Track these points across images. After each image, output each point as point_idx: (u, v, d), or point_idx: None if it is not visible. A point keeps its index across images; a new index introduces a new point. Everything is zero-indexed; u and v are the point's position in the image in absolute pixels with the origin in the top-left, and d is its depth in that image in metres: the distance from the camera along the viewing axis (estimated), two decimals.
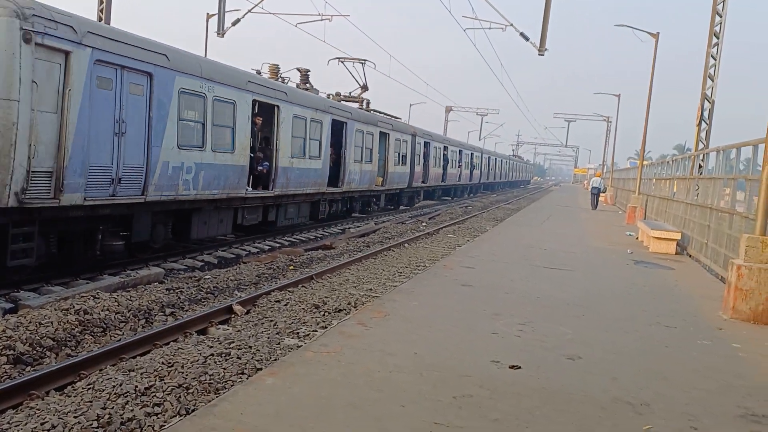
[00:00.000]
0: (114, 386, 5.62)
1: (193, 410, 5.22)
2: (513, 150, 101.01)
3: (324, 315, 9.22)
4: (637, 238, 18.12)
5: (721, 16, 18.13)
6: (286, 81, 17.90)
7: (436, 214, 29.23)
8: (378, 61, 40.24)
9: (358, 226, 22.06)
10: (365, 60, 23.57)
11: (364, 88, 24.07)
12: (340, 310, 9.43)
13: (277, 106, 15.69)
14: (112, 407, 5.25)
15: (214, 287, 11.02)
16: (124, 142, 10.52)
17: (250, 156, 14.86)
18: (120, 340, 7.63)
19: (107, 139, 10.17)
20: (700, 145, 18.81)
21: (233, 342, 7.43)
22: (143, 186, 11.08)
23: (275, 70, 17.42)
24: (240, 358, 6.78)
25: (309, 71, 19.24)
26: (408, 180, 28.81)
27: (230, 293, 10.87)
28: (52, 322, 7.53)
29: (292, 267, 13.39)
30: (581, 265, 12.03)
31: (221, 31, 22.16)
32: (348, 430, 3.85)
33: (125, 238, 11.58)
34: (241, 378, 6.10)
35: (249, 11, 21.91)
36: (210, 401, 5.39)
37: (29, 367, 6.59)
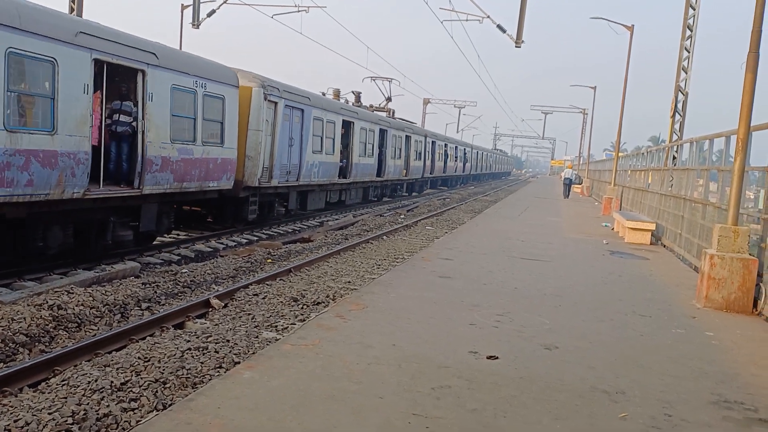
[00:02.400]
0: (89, 382, 5.54)
1: (170, 405, 5.17)
2: (495, 144, 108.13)
3: (302, 308, 9.19)
4: (612, 229, 18.34)
5: (694, 9, 18.34)
6: (346, 101, 26.40)
7: (415, 206, 29.26)
8: (355, 54, 40.38)
9: (337, 219, 22.03)
10: (392, 78, 32.64)
11: (389, 99, 32.20)
12: (318, 303, 9.41)
13: (353, 122, 23.75)
14: (88, 403, 5.18)
15: (191, 281, 10.92)
16: (291, 150, 18.16)
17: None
18: (95, 335, 7.53)
19: (285, 149, 17.77)
20: (674, 137, 19.05)
21: (211, 336, 7.38)
22: (297, 176, 18.84)
23: (337, 93, 25.81)
24: (218, 352, 6.73)
25: (360, 93, 28.42)
26: (422, 172, 36.89)
27: (207, 287, 10.78)
28: (24, 318, 7.40)
29: (270, 260, 13.33)
30: (558, 256, 12.14)
31: (196, 23, 21.87)
32: (327, 423, 3.84)
33: (283, 205, 19.20)
34: (219, 372, 6.06)
35: (225, 2, 21.65)
36: (187, 395, 5.35)
37: (1, 364, 6.47)
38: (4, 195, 8.94)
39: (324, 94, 22.76)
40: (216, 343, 7.20)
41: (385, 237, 16.96)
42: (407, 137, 32.44)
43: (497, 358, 5.31)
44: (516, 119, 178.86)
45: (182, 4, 26.49)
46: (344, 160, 23.19)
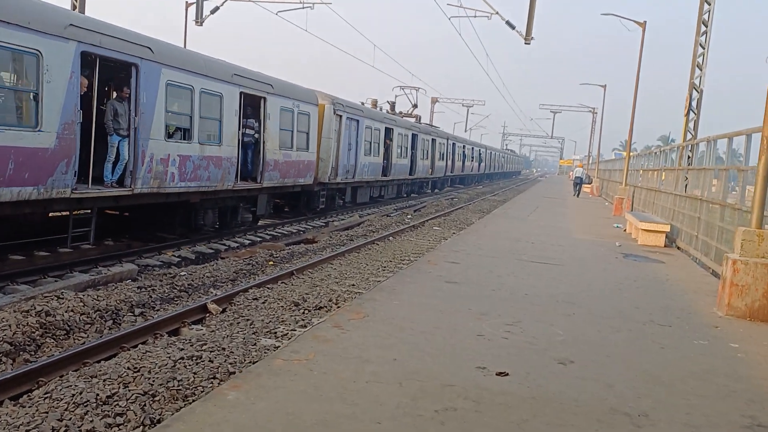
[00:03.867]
0: (74, 395, 5.18)
1: (158, 420, 4.80)
2: (506, 144, 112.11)
3: (304, 313, 8.83)
4: (625, 230, 17.85)
5: (709, 4, 17.81)
6: (382, 109, 31.41)
7: (422, 206, 28.86)
8: (362, 51, 40.59)
9: (343, 219, 21.68)
10: (419, 88, 38.46)
11: (415, 106, 37.46)
12: (320, 308, 9.04)
13: (393, 129, 28.41)
14: (70, 418, 4.82)
15: (188, 285, 10.57)
16: (350, 153, 22.22)
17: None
18: (84, 343, 7.16)
19: (346, 152, 21.78)
20: (688, 136, 18.54)
21: (206, 344, 7.01)
22: (354, 174, 22.98)
23: (375, 103, 29.96)
24: (212, 362, 6.36)
25: (395, 102, 33.99)
26: (444, 171, 41.32)
27: (206, 291, 10.42)
28: (10, 325, 7.04)
29: (271, 263, 12.95)
30: (570, 259, 11.69)
31: (200, 20, 21.53)
32: None
33: (341, 198, 23.58)
34: (212, 383, 5.69)
35: None
36: (177, 410, 4.98)
37: None
38: (195, 186, 13.38)
39: (363, 104, 26.88)
40: (211, 351, 6.83)
41: (391, 238, 16.56)
42: (433, 140, 37.13)
43: (507, 374, 4.89)
44: (525, 118, 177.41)
45: (186, 2, 26.21)
46: (385, 160, 27.56)
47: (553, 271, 10.19)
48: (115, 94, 12.49)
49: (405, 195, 33.58)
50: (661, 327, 6.95)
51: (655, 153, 22.97)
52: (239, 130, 14.83)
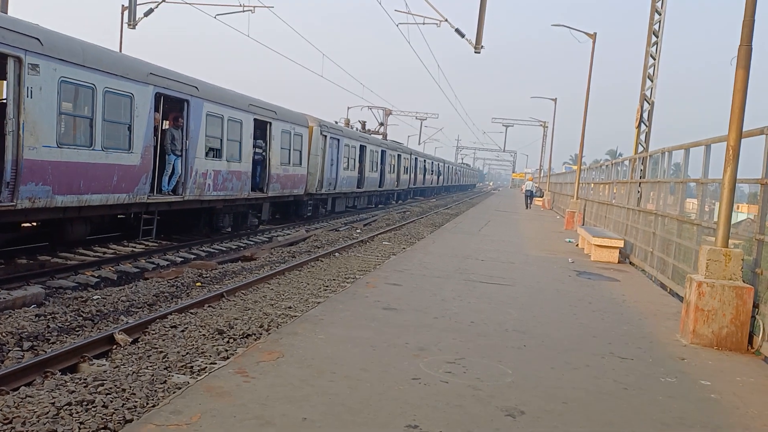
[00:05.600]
0: None
1: None
2: (461, 158, 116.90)
3: (228, 342, 7.80)
4: (577, 245, 17.26)
5: (660, 14, 17.49)
6: (364, 129, 37.85)
7: (373, 220, 27.95)
8: (309, 61, 39.68)
9: (289, 234, 20.62)
10: (390, 110, 46.00)
11: (381, 124, 44.13)
12: (248, 335, 8.04)
13: (366, 146, 32.22)
14: None
15: (97, 311, 9.34)
16: (332, 168, 25.37)
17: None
18: None
19: (329, 167, 24.88)
20: (640, 148, 18.12)
21: (104, 383, 5.91)
22: (335, 186, 26.07)
23: (348, 122, 35.36)
24: (106, 407, 5.29)
25: (366, 122, 39.07)
26: (407, 183, 45.40)
27: (117, 318, 9.19)
28: None
29: (199, 284, 11.77)
30: (521, 278, 10.88)
31: (132, 22, 20.17)
32: None
33: (324, 207, 26.73)
34: None
35: (163, 0, 20.01)
36: None
37: None
38: (222, 195, 16.73)
39: (336, 122, 30.14)
40: (107, 393, 5.73)
41: (337, 254, 15.56)
42: (399, 155, 41.24)
43: None
44: (477, 132, 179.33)
45: (122, 5, 24.75)
46: (359, 174, 30.78)
47: (503, 292, 9.33)
48: (166, 123, 15.26)
49: (373, 205, 37.47)
50: (623, 361, 6.11)
51: (607, 165, 22.62)
52: (253, 149, 18.26)
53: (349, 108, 46.42)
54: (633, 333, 7.42)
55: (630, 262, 14.48)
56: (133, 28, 20.06)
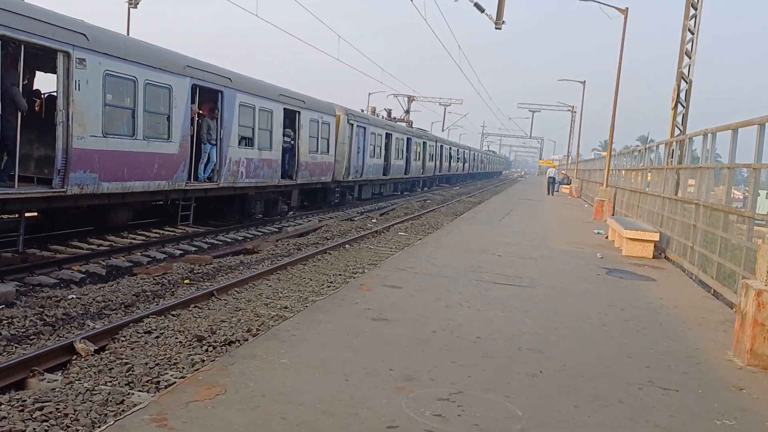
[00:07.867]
0: None
1: None
2: (488, 145, 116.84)
3: (207, 350, 6.76)
4: (606, 237, 15.84)
5: None
6: (391, 118, 38.42)
7: (391, 208, 26.75)
8: (326, 44, 38.51)
9: (300, 224, 19.56)
10: (413, 96, 45.06)
11: (407, 112, 43.64)
12: (230, 342, 6.96)
13: (392, 134, 32.33)
14: None
15: (64, 314, 8.30)
16: (359, 156, 25.82)
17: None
18: None
19: (356, 155, 25.44)
20: (676, 131, 16.55)
21: (47, 405, 4.90)
22: (361, 173, 26.57)
23: (374, 110, 35.44)
24: None
25: (391, 110, 39.49)
26: (433, 171, 45.49)
27: (83, 323, 8.14)
28: None
29: (187, 281, 10.69)
30: (542, 277, 9.58)
31: (134, 2, 19.14)
32: None
33: (351, 194, 27.55)
34: None
35: None
36: None
37: None
38: (254, 182, 17.21)
39: (363, 111, 31.28)
40: (44, 420, 4.71)
41: (347, 246, 14.41)
42: (424, 143, 41.14)
43: None
44: (503, 117, 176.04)
45: None
46: (385, 161, 31.22)
47: (519, 296, 8.05)
48: (200, 113, 15.44)
49: (399, 192, 37.90)
50: (665, 394, 4.82)
51: (639, 150, 21.02)
52: (282, 138, 18.72)
53: (370, 94, 45.54)
54: (676, 350, 6.10)
55: (666, 258, 13.05)
56: (135, 7, 19.04)
